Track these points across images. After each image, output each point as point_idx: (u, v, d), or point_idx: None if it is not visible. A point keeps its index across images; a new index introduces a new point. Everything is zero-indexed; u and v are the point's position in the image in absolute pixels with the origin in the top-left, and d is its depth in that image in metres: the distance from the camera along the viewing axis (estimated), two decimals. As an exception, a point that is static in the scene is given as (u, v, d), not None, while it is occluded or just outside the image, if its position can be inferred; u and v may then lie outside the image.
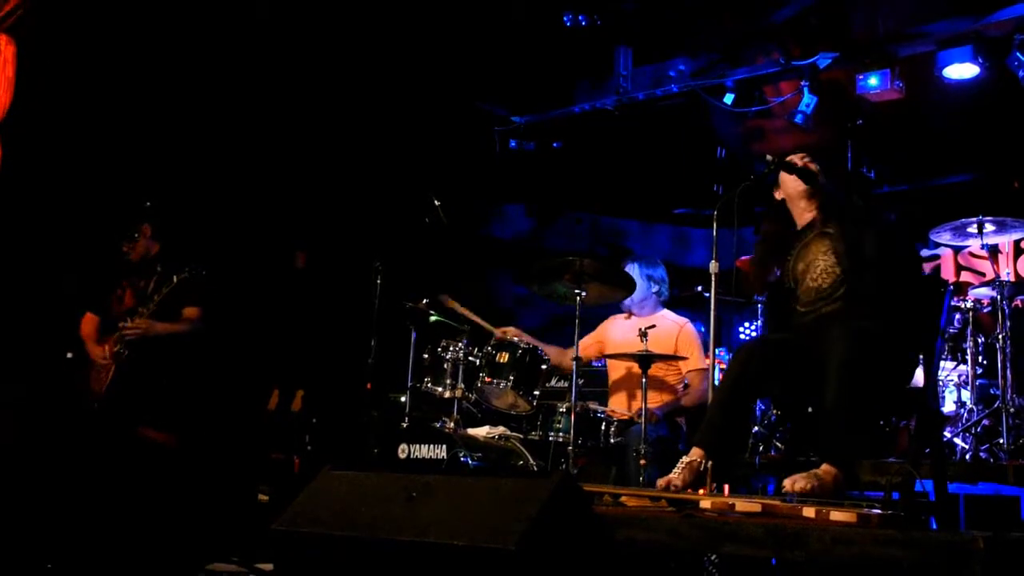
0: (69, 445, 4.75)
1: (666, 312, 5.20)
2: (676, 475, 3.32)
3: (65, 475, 4.61)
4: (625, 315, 5.23)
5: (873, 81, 6.06)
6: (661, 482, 3.34)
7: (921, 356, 3.59)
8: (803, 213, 3.76)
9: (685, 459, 3.36)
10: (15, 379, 5.25)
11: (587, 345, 5.20)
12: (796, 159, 3.73)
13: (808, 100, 6.42)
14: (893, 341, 3.38)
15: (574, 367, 4.56)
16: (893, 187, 6.97)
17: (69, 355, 5.03)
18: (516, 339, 4.91)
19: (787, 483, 3.05)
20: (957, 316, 5.11)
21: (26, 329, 5.44)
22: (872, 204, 3.82)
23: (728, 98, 6.67)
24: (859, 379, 3.17)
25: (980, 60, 5.76)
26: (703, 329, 5.20)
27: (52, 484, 4.60)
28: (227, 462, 5.66)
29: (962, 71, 5.87)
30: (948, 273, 6.76)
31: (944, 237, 5.46)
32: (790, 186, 3.75)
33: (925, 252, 6.60)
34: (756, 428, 5.17)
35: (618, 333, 5.17)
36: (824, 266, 3.59)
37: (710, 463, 3.34)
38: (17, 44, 5.27)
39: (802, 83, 6.44)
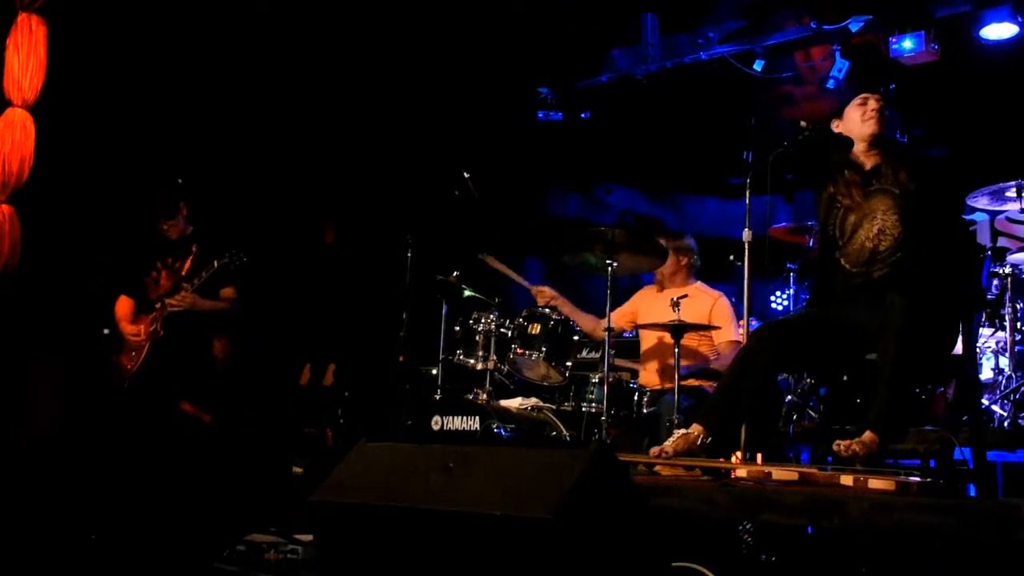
0: (109, 420, 4.82)
1: (700, 284, 5.16)
2: (669, 444, 3.32)
3: (106, 449, 4.69)
4: (657, 287, 5.20)
5: (908, 44, 5.94)
6: (654, 451, 3.34)
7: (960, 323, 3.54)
8: (865, 157, 3.60)
9: (682, 430, 3.37)
10: (55, 355, 5.33)
11: (620, 316, 5.18)
12: (864, 108, 3.56)
13: (840, 65, 6.32)
14: (943, 309, 3.33)
15: (606, 337, 4.55)
16: (928, 151, 6.84)
17: (105, 331, 5.09)
18: (549, 307, 4.90)
19: (842, 445, 3.04)
20: (995, 282, 5.03)
21: (64, 308, 5.51)
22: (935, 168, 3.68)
23: (758, 65, 6.58)
24: (916, 349, 3.14)
25: (1019, 19, 5.64)
26: (734, 300, 5.16)
27: (94, 458, 4.68)
28: (262, 435, 5.72)
29: (1000, 31, 5.75)
30: (984, 238, 6.65)
31: (981, 202, 5.37)
32: (855, 127, 3.60)
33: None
34: (789, 397, 5.14)
35: (650, 304, 5.14)
36: (883, 226, 3.46)
37: (708, 439, 3.33)
38: (48, 24, 5.31)
39: (833, 47, 6.34)
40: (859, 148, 3.63)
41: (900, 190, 3.48)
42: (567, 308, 5.08)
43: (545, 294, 5.02)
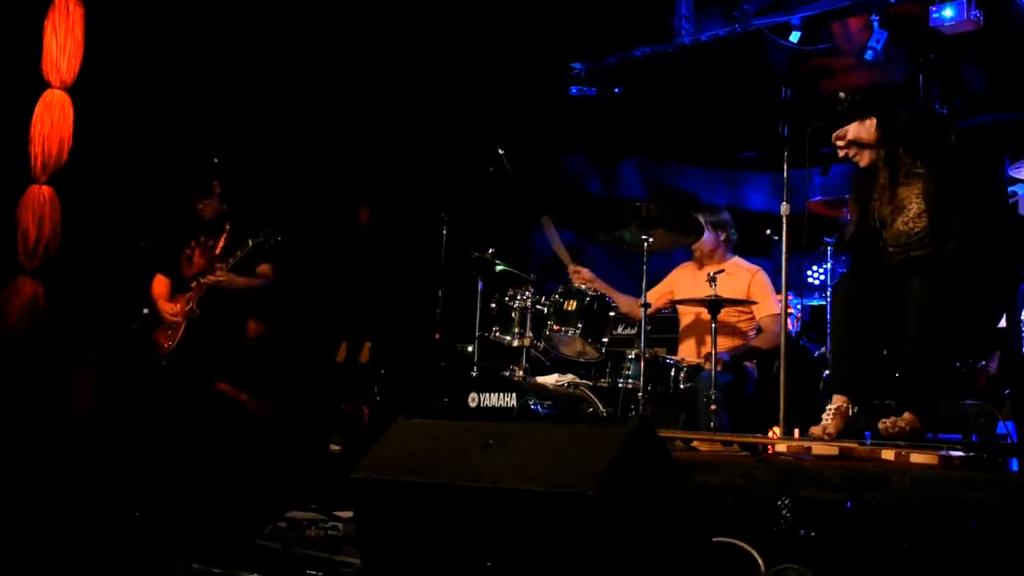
0: (149, 400, 4.90)
1: (738, 259, 5.12)
2: (829, 423, 3.32)
3: (147, 428, 4.76)
4: (695, 264, 5.17)
5: (948, 12, 5.80)
6: (815, 430, 3.34)
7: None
8: (877, 155, 3.63)
9: (831, 406, 3.37)
10: (96, 340, 5.41)
11: (656, 295, 5.16)
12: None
13: (878, 35, 6.20)
14: (982, 285, 3.30)
15: (643, 314, 4.53)
16: (968, 121, 6.72)
17: (145, 311, 5.16)
18: (585, 286, 4.90)
19: (887, 423, 3.03)
20: (1038, 254, 4.95)
21: (105, 289, 5.59)
22: (965, 141, 3.64)
23: (794, 36, 6.48)
24: (940, 327, 3.15)
25: (1063, -15, 5.50)
26: (768, 265, 5.13)
27: (135, 437, 4.76)
28: (299, 413, 5.78)
29: (1045, -4, 5.62)
30: (1026, 210, 6.53)
31: (1024, 173, 5.27)
32: (862, 134, 3.63)
33: (1003, 189, 6.40)
34: (827, 372, 5.09)
35: (688, 280, 5.12)
36: (917, 210, 3.47)
37: (855, 408, 3.35)
38: (85, 6, 5.35)
39: (872, 18, 6.22)
40: (870, 148, 3.64)
41: (926, 171, 3.47)
42: (604, 290, 5.07)
43: (582, 275, 5.01)
